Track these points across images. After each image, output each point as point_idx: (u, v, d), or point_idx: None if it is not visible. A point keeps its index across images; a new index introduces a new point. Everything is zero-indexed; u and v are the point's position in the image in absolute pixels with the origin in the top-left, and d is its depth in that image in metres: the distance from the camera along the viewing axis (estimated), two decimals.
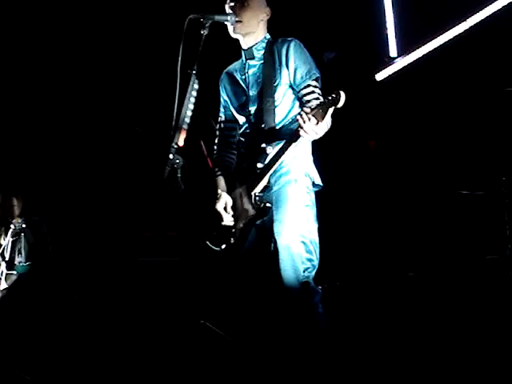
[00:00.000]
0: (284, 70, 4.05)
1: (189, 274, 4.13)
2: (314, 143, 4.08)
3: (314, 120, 3.61)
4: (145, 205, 5.68)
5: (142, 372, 4.06)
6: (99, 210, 5.85)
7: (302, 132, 3.67)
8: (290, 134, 3.83)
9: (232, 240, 4.02)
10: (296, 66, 4.03)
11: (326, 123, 3.73)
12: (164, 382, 3.91)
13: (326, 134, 3.89)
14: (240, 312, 4.09)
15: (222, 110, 4.38)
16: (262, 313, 4.01)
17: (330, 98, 3.61)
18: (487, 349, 4.59)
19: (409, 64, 7.22)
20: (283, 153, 3.83)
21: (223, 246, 4.04)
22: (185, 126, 3.50)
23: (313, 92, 3.97)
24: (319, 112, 3.61)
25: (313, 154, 4.16)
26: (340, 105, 3.60)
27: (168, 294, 4.84)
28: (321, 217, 4.12)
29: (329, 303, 5.08)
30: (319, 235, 4.05)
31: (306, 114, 3.61)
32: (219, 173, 4.26)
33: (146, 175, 5.66)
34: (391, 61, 7.31)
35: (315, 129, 3.65)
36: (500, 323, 4.91)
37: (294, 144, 3.79)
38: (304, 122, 3.62)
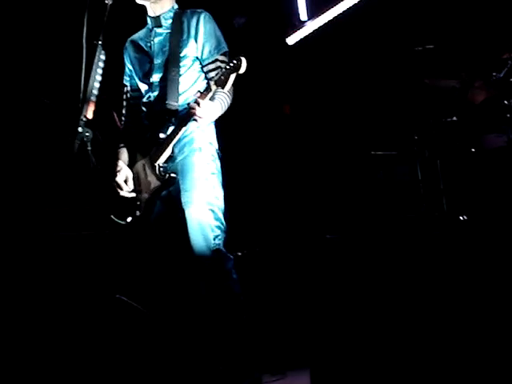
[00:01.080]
0: (192, 42, 4.01)
1: (103, 248, 4.08)
2: (228, 110, 4.05)
3: (204, 104, 3.66)
4: (56, 179, 5.57)
5: (58, 348, 4.00)
6: (6, 185, 5.70)
7: (195, 117, 3.73)
8: (185, 115, 3.84)
9: (138, 212, 3.99)
10: (205, 40, 4.01)
11: (221, 104, 3.82)
12: (82, 357, 3.86)
13: (240, 100, 3.91)
14: (154, 283, 4.08)
15: (127, 78, 4.31)
16: (175, 283, 4.01)
17: (231, 64, 3.62)
18: (407, 307, 4.67)
19: (319, 27, 7.24)
20: (184, 125, 3.83)
21: (129, 219, 4.00)
22: (93, 98, 3.44)
23: (218, 67, 3.94)
24: (220, 79, 3.62)
25: (226, 120, 4.14)
26: (242, 71, 3.64)
27: (83, 269, 4.78)
28: (239, 184, 4.13)
29: (248, 269, 5.12)
30: (236, 202, 4.06)
31: (197, 103, 3.66)
32: (122, 144, 4.21)
33: (55, 149, 5.54)
34: (302, 24, 7.31)
35: (207, 113, 3.73)
36: (420, 283, 4.99)
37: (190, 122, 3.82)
38: (194, 108, 3.67)
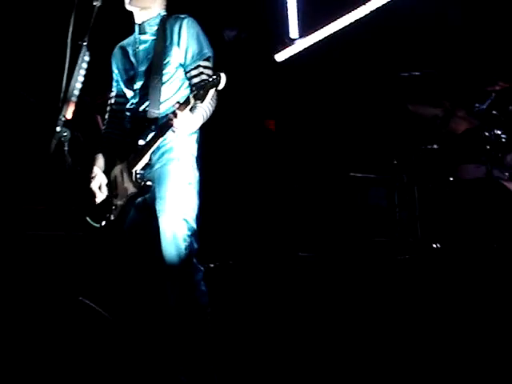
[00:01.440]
0: (175, 48, 3.98)
1: (72, 249, 4.05)
2: (211, 122, 4.04)
3: (182, 116, 3.64)
4: (32, 177, 5.55)
5: (18, 350, 3.97)
6: None
7: (173, 128, 3.72)
8: (163, 125, 3.84)
9: (112, 217, 3.98)
10: (187, 45, 3.97)
11: (202, 115, 3.80)
12: (41, 360, 3.82)
13: (223, 114, 3.91)
14: (121, 289, 4.06)
15: (114, 84, 4.30)
16: (143, 290, 4.00)
17: (210, 79, 3.61)
18: (375, 330, 4.68)
19: (309, 46, 7.27)
20: (162, 134, 3.82)
21: (103, 223, 3.99)
22: (73, 99, 3.42)
23: (201, 73, 3.92)
24: (199, 93, 3.60)
25: (209, 131, 4.14)
26: (220, 87, 3.61)
27: (49, 269, 4.76)
28: (218, 197, 4.10)
29: (221, 281, 5.12)
30: (212, 214, 4.05)
31: (175, 114, 3.65)
32: (100, 149, 4.19)
33: (34, 147, 5.53)
34: (291, 42, 7.35)
35: (186, 124, 3.72)
36: (388, 305, 5.01)
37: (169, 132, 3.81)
38: (172, 119, 3.66)
